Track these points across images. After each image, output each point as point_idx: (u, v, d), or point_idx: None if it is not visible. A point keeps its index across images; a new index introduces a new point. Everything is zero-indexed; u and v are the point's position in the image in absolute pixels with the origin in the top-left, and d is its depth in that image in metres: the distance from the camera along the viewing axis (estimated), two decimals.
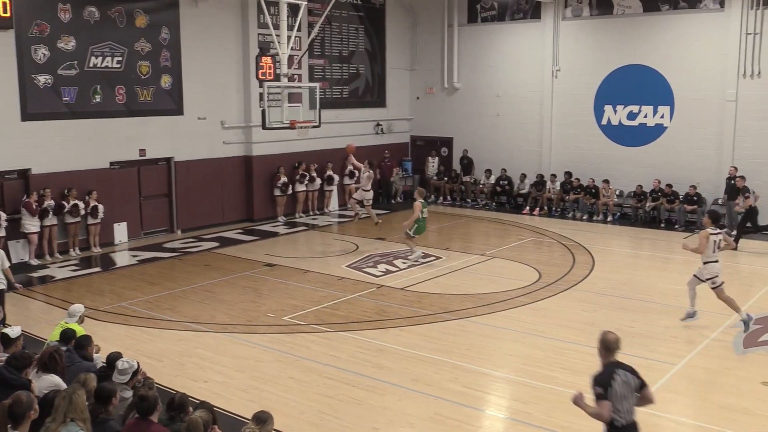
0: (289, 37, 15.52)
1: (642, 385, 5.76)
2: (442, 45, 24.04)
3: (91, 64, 16.39)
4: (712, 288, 11.01)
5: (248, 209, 20.22)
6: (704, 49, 19.45)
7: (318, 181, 21.27)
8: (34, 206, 15.07)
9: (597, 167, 21.14)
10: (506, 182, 22.69)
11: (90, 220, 16.26)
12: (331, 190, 21.85)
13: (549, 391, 8.78)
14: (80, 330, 8.04)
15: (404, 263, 15.25)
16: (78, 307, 8.64)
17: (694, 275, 11.11)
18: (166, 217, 18.57)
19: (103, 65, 16.62)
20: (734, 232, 16.97)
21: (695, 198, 19.11)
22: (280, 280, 14.04)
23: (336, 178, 21.73)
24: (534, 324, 11.34)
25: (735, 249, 16.47)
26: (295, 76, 19.57)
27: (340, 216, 20.32)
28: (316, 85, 16.96)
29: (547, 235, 18.49)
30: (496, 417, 8.35)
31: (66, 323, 8.25)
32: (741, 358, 9.92)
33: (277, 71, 15.90)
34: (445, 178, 23.89)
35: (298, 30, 16.62)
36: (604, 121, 21.35)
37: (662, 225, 19.23)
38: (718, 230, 10.92)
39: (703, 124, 19.62)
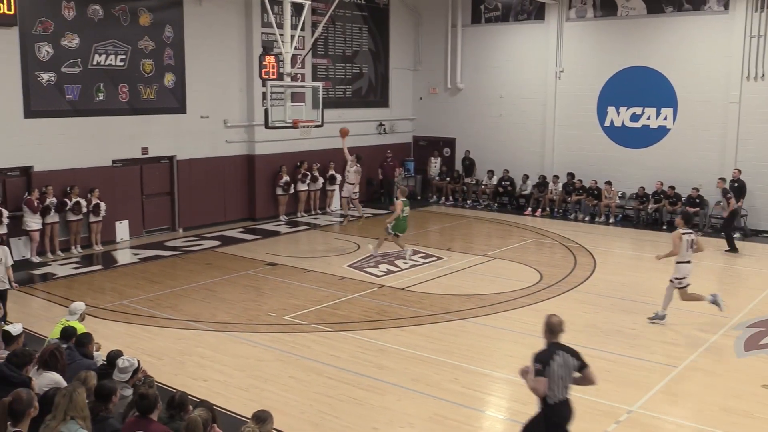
0: (292, 37, 15.51)
1: (582, 366, 6.18)
2: (445, 45, 24.03)
3: (94, 62, 16.41)
4: (678, 288, 11.21)
5: (250, 208, 20.23)
6: (708, 51, 19.42)
7: (320, 180, 21.28)
8: (35, 203, 15.09)
9: (599, 169, 21.12)
10: (508, 183, 22.68)
11: (92, 218, 16.27)
12: (333, 190, 21.84)
13: None
14: (81, 328, 8.05)
15: (405, 263, 15.24)
16: (79, 305, 8.66)
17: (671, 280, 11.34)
18: (167, 216, 18.58)
19: (106, 63, 16.63)
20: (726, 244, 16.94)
21: (698, 200, 19.08)
22: (282, 280, 14.05)
23: (338, 177, 21.73)
24: (535, 325, 11.25)
25: (737, 251, 16.53)
26: (299, 76, 19.57)
27: (342, 216, 20.30)
28: (319, 84, 16.93)
29: (549, 236, 18.48)
30: (496, 418, 8.36)
31: (67, 321, 8.27)
32: (742, 361, 9.91)
33: (281, 70, 15.89)
34: (448, 179, 23.88)
35: (302, 29, 16.61)
36: (607, 123, 21.33)
37: (664, 227, 19.19)
38: (690, 231, 11.24)
39: (707, 126, 19.59)
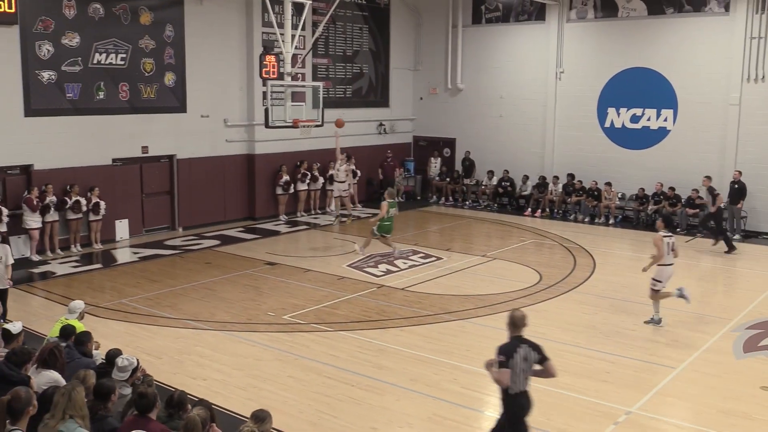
0: (293, 36, 15.52)
1: (543, 359, 6.42)
2: (446, 45, 24.03)
3: (95, 61, 16.41)
4: (652, 287, 11.35)
5: (250, 207, 20.23)
6: (708, 53, 19.42)
7: (320, 180, 21.28)
8: (34, 202, 15.08)
9: (599, 170, 21.12)
10: (508, 183, 22.68)
11: (92, 217, 16.27)
12: (333, 190, 21.81)
13: (547, 393, 8.75)
14: (80, 326, 8.05)
15: (405, 263, 15.25)
16: (78, 304, 8.65)
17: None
18: (167, 215, 18.58)
19: (107, 62, 16.63)
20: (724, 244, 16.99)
21: (697, 202, 19.07)
22: (281, 279, 14.05)
23: (349, 174, 21.64)
24: (534, 326, 11.21)
25: (735, 250, 16.60)
26: (299, 75, 19.56)
27: (342, 215, 20.30)
28: (320, 84, 16.94)
29: (549, 237, 18.48)
30: (495, 418, 8.34)
31: (66, 319, 8.27)
32: (741, 363, 9.92)
33: (281, 70, 15.90)
34: (447, 179, 23.88)
35: (303, 29, 16.61)
36: (607, 124, 21.33)
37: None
38: (671, 234, 11.36)
39: (707, 127, 19.59)
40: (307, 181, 20.89)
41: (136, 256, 16.02)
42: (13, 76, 15.10)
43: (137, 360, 6.78)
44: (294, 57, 15.71)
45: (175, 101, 18.16)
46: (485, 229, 19.88)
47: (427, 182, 24.63)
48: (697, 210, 18.96)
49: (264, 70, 15.55)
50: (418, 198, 24.66)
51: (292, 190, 20.55)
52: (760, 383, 9.10)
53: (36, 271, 14.53)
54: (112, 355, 6.91)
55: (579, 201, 20.96)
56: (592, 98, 21.46)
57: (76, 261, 15.39)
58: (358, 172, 22.34)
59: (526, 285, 13.71)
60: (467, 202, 23.30)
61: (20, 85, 15.22)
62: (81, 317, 8.55)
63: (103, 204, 16.32)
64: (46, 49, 15.53)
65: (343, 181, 19.14)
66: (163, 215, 18.48)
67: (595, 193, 20.65)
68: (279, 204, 20.48)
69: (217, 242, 17.36)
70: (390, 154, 23.67)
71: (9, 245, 10.93)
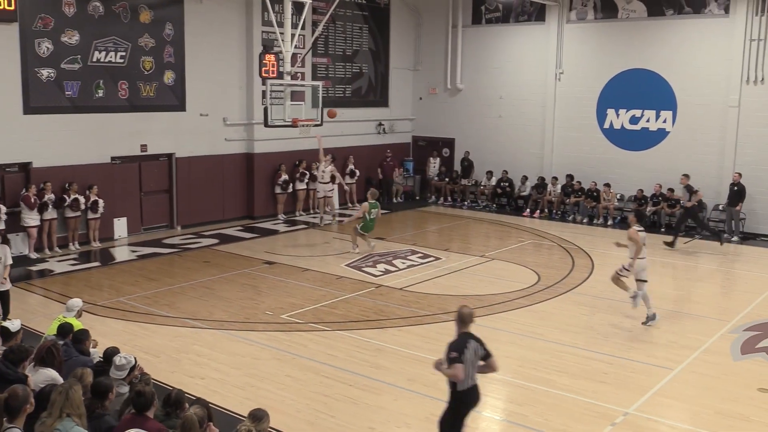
0: (293, 35, 15.51)
1: (487, 355, 6.61)
2: (445, 46, 24.03)
3: (94, 59, 16.40)
4: (618, 271, 11.57)
5: (249, 206, 20.22)
6: (708, 55, 19.43)
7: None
8: (32, 200, 15.06)
9: (598, 170, 21.13)
10: (507, 184, 22.68)
11: (90, 215, 16.26)
12: (332, 189, 21.79)
13: (545, 393, 8.78)
14: (78, 324, 8.04)
15: (403, 263, 15.25)
16: (76, 302, 8.65)
17: (636, 281, 11.50)
18: (166, 213, 18.57)
19: (106, 60, 16.62)
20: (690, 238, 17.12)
21: (696, 203, 19.05)
22: (279, 278, 14.04)
23: (337, 177, 21.69)
24: (532, 326, 11.35)
25: (672, 248, 16.73)
26: (298, 75, 19.55)
27: (341, 215, 20.31)
28: (319, 83, 16.94)
29: (547, 237, 18.48)
30: (492, 419, 8.35)
31: (64, 317, 8.26)
32: (738, 364, 9.92)
33: (280, 69, 15.89)
34: (446, 179, 23.88)
35: (302, 28, 16.62)
36: (606, 125, 21.34)
37: (663, 230, 19.18)
38: (642, 228, 11.55)
39: (706, 129, 19.60)
40: (306, 180, 20.87)
41: (135, 254, 16.01)
42: (13, 74, 15.09)
43: (135, 358, 6.78)
44: (293, 56, 15.70)
45: (174, 100, 18.15)
46: (484, 229, 19.88)
47: (426, 182, 24.63)
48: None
49: (263, 69, 15.54)
50: (417, 198, 24.65)
51: (290, 190, 20.55)
52: (757, 385, 9.10)
53: (34, 268, 14.52)
54: (110, 353, 6.91)
55: (578, 202, 20.96)
56: (592, 99, 21.46)
57: (74, 259, 15.37)
58: (357, 171, 22.35)
59: (525, 285, 13.71)
60: (466, 203, 23.30)
61: (19, 82, 15.21)
62: (79, 315, 8.54)
63: (101, 202, 16.32)
64: (45, 47, 15.51)
65: (327, 182, 19.26)
66: (162, 214, 18.47)
67: (594, 194, 20.66)
68: (278, 203, 20.48)
69: (215, 241, 17.36)
70: (389, 154, 23.67)
71: (9, 246, 10.90)
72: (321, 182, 19.38)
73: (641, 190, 20.06)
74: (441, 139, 24.79)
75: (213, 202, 19.34)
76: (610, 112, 21.22)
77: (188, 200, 18.72)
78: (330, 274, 14.32)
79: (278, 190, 20.33)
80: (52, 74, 15.70)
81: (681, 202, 18.31)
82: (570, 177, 21.49)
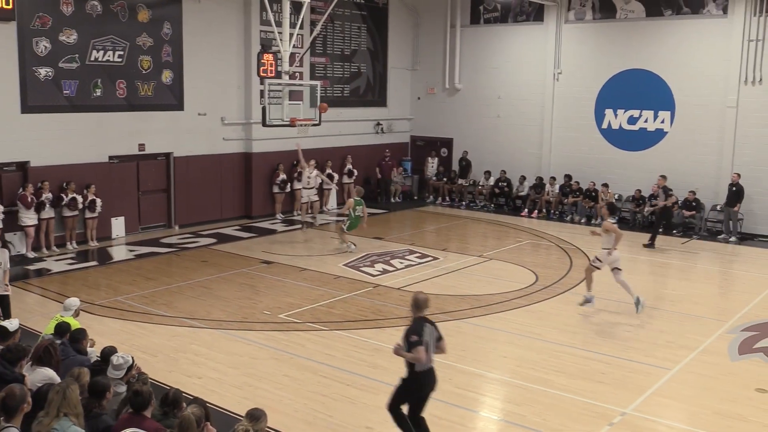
0: (291, 35, 15.50)
1: (440, 338, 6.93)
2: (444, 45, 24.03)
3: (92, 58, 16.37)
4: (592, 263, 11.96)
5: (246, 206, 20.21)
6: (706, 55, 19.45)
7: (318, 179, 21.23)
8: (29, 199, 15.04)
9: (597, 171, 21.14)
10: (505, 184, 22.68)
11: (88, 214, 16.25)
12: (330, 189, 21.82)
13: (543, 393, 8.78)
14: (75, 324, 8.03)
15: (401, 263, 15.25)
16: (74, 301, 8.63)
17: (613, 269, 11.84)
18: (164, 213, 18.56)
19: (104, 59, 16.60)
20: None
21: (694, 203, 19.10)
22: (277, 278, 14.03)
23: (335, 176, 21.71)
24: (529, 326, 11.34)
25: (653, 247, 17.13)
26: (297, 74, 19.57)
27: (340, 215, 20.30)
28: (317, 83, 16.93)
29: (545, 237, 18.48)
30: (490, 418, 8.35)
31: (61, 317, 8.24)
32: (736, 365, 9.93)
33: (279, 69, 15.89)
34: (444, 179, 23.88)
35: (301, 28, 16.60)
36: (604, 125, 21.35)
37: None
38: (615, 221, 11.96)
39: (704, 129, 19.62)
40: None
41: (132, 253, 15.99)
42: (10, 73, 15.07)
43: (132, 358, 6.76)
44: (292, 56, 15.69)
45: (172, 99, 18.14)
46: (482, 229, 19.88)
47: (424, 182, 24.63)
48: (694, 212, 18.98)
49: (262, 68, 15.54)
50: (415, 198, 24.65)
51: (288, 189, 20.54)
52: (755, 385, 9.11)
53: (31, 268, 14.49)
54: (107, 352, 6.90)
55: (576, 202, 20.97)
56: (590, 99, 21.48)
57: (71, 258, 15.35)
58: (355, 171, 22.35)
59: (523, 285, 13.72)
60: (464, 203, 23.30)
61: (17, 81, 15.19)
62: (76, 314, 8.52)
63: (99, 201, 16.30)
64: (43, 46, 15.49)
65: (312, 187, 19.26)
66: (160, 213, 18.46)
67: (592, 194, 20.67)
68: (276, 203, 20.47)
69: (213, 240, 17.34)
70: (388, 154, 23.66)
71: (9, 250, 10.86)
72: (306, 188, 19.35)
73: (639, 191, 20.08)
74: (439, 138, 24.79)
75: (211, 202, 19.33)
76: (609, 112, 21.24)
77: (186, 200, 18.71)
78: (328, 274, 14.31)
79: (276, 189, 20.32)
80: (49, 73, 15.67)
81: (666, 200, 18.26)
82: (568, 177, 21.50)
